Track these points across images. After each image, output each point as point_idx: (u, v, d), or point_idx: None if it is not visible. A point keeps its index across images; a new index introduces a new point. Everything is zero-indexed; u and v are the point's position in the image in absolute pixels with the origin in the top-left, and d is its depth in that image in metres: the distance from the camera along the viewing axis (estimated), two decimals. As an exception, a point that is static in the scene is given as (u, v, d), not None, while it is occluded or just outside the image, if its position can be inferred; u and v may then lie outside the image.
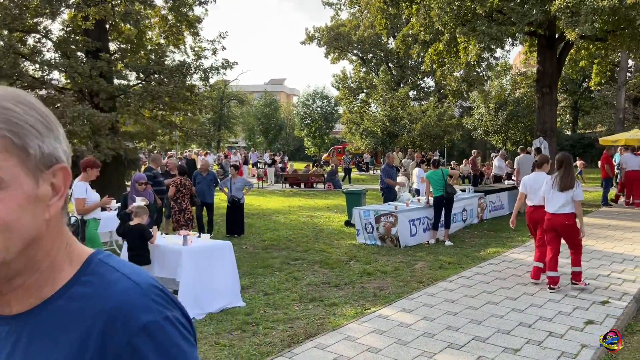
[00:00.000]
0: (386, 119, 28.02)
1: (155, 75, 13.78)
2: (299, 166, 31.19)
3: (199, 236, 6.28)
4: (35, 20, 14.06)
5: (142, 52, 15.70)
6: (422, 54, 15.05)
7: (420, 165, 12.07)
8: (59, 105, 12.49)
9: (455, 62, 14.49)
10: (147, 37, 16.34)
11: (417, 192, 11.48)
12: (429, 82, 47.06)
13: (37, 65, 13.74)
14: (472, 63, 13.34)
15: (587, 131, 39.61)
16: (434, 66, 16.57)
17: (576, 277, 6.06)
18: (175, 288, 6.02)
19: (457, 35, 12.73)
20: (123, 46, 15.57)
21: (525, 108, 27.03)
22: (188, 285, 5.46)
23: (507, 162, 15.98)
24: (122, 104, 14.38)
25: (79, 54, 13.65)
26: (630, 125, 31.83)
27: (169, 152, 23.03)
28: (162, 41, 15.90)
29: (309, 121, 40.66)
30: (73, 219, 5.83)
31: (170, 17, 14.98)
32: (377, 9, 15.55)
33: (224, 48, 14.06)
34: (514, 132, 27.84)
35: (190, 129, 14.20)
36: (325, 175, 21.68)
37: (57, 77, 14.83)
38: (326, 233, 10.80)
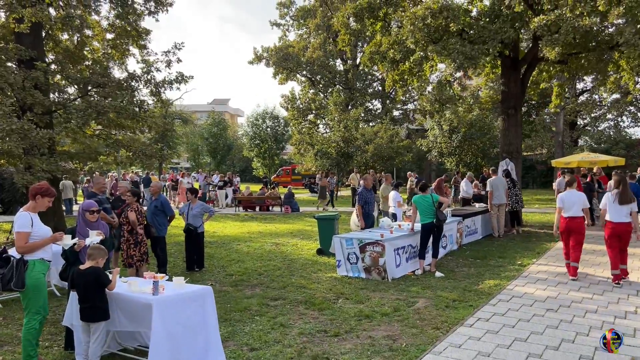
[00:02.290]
0: (340, 139, 27.46)
1: (99, 89, 12.31)
2: (254, 188, 29.92)
3: (169, 278, 5.09)
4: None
5: (83, 65, 14.15)
6: (387, 72, 14.45)
7: (397, 188, 11.32)
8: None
9: (423, 81, 14.05)
10: (89, 48, 14.82)
11: (395, 217, 10.70)
12: (377, 104, 47.49)
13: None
14: (444, 82, 12.94)
15: (529, 154, 41.11)
16: (396, 86, 16.13)
17: (625, 273, 7.76)
18: (144, 343, 4.79)
19: (429, 54, 12.26)
20: (60, 57, 13.94)
21: (479, 130, 27.36)
22: (161, 343, 4.27)
23: (473, 184, 15.65)
24: (60, 120, 12.73)
25: (9, 64, 11.97)
26: (568, 148, 33.27)
27: (110, 174, 21.19)
28: (104, 52, 14.42)
29: (258, 141, 39.47)
30: (11, 258, 4.44)
31: (117, 26, 13.59)
32: (340, 24, 14.89)
33: (179, 60, 12.82)
34: (467, 154, 28.07)
35: (138, 149, 12.75)
36: (283, 198, 20.59)
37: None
38: (299, 264, 9.73)
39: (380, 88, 47.56)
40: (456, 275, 8.45)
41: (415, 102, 43.26)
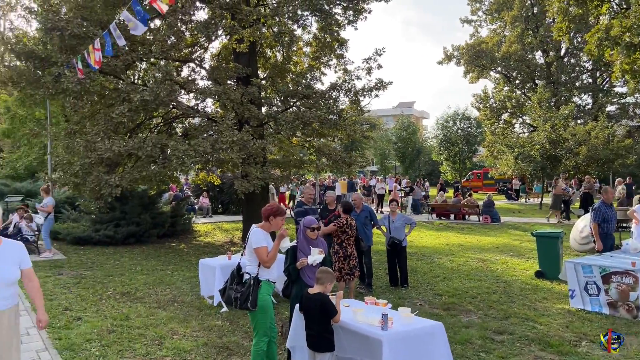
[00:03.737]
0: (546, 141, 24.44)
1: (304, 100, 12.82)
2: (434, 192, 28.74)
3: (389, 305, 4.62)
4: (189, 49, 14.07)
5: (288, 77, 15.02)
6: (619, 61, 12.06)
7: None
8: (211, 132, 12.01)
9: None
10: (293, 61, 15.68)
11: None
12: (586, 99, 41.67)
13: (191, 95, 13.63)
14: None
15: None
16: (625, 76, 13.44)
17: None
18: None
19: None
20: (269, 72, 15.03)
21: None
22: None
23: None
24: (270, 131, 13.65)
25: (229, 82, 13.23)
26: None
27: (310, 181, 22.28)
28: (306, 65, 15.06)
29: (448, 144, 37.90)
30: (246, 277, 4.48)
31: (319, 38, 14.05)
32: (557, 11, 12.97)
33: (380, 66, 12.62)
34: None
35: (339, 156, 12.94)
36: (482, 206, 19.05)
37: (210, 105, 14.69)
38: (517, 288, 8.53)
39: (590, 80, 41.66)
40: None
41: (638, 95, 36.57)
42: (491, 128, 38.72)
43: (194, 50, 14.33)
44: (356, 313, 4.32)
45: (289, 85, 13.88)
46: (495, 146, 32.57)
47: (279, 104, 13.48)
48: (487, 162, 39.19)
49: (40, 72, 12.78)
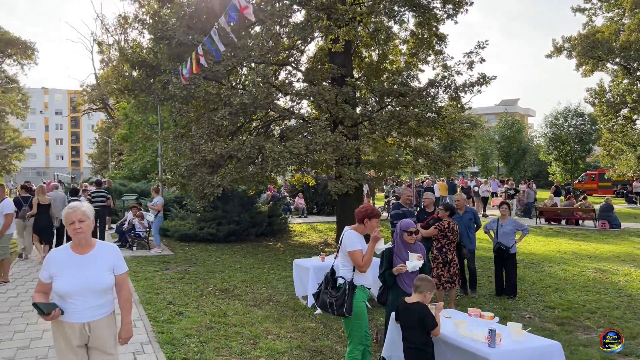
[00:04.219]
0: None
1: (400, 98, 12.43)
2: (543, 195, 26.60)
3: (495, 319, 4.17)
4: (286, 52, 14.32)
5: (383, 76, 14.71)
6: None
7: None
8: (306, 133, 12.10)
9: None
10: (389, 60, 15.33)
11: None
12: None
13: (288, 97, 13.85)
14: None
15: None
16: None
17: None
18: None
19: None
20: (364, 71, 14.83)
21: None
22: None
23: None
24: (365, 131, 13.43)
25: (324, 83, 13.24)
26: None
27: (405, 182, 21.74)
28: (402, 63, 14.64)
29: (558, 143, 35.02)
30: (340, 281, 4.31)
31: (417, 34, 13.58)
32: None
33: (482, 60, 11.87)
34: None
35: (438, 156, 12.38)
36: (598, 211, 17.25)
37: (305, 106, 14.85)
38: (646, 305, 7.48)
39: None
40: None
41: None
42: (608, 125, 35.20)
43: (290, 53, 14.57)
44: (459, 326, 3.95)
45: (385, 83, 13.58)
46: (613, 145, 29.65)
47: (374, 103, 13.23)
48: (602, 162, 35.66)
49: (151, 80, 13.76)
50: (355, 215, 4.43)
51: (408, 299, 4.00)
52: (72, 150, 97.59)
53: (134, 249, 12.57)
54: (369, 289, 4.39)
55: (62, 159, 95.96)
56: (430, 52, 14.01)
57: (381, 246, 4.43)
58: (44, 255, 10.62)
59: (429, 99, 12.09)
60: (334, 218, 16.54)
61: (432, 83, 12.30)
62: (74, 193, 12.99)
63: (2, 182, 12.33)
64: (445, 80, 12.12)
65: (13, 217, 8.89)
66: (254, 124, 15.11)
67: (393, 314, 4.31)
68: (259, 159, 11.94)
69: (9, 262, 9.16)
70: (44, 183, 21.87)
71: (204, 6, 13.83)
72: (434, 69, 14.17)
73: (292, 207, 21.98)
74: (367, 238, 4.44)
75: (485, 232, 8.53)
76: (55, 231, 11.30)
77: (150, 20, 13.40)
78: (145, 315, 6.70)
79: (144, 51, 14.90)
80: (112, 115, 45.01)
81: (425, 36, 13.67)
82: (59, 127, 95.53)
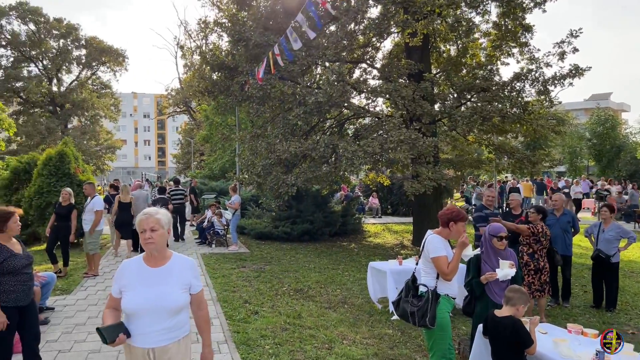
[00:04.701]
0: None
1: (482, 93, 11.75)
2: None
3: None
4: (361, 50, 14.07)
5: (463, 71, 14.03)
6: None
7: None
8: (380, 132, 11.78)
9: None
10: (469, 54, 14.60)
11: None
12: None
13: (362, 95, 13.60)
14: None
15: None
16: None
17: None
18: None
19: None
20: (443, 67, 14.23)
21: None
22: None
23: None
24: (444, 128, 12.87)
25: (400, 80, 12.85)
26: None
27: (486, 182, 20.74)
28: (484, 57, 13.85)
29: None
30: (422, 289, 4.02)
31: (501, 24, 12.78)
32: None
33: (575, 50, 10.92)
34: None
35: (523, 155, 11.56)
36: None
37: (380, 104, 14.53)
38: None
39: None
40: None
41: None
42: None
43: (365, 51, 14.31)
44: (558, 345, 3.51)
45: (465, 78, 12.92)
46: None
47: (454, 99, 12.63)
48: None
49: (230, 82, 14.08)
50: (438, 218, 4.11)
51: (498, 312, 3.62)
52: (158, 151, 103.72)
53: (213, 246, 12.93)
54: (454, 298, 4.04)
55: (150, 159, 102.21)
56: (515, 44, 13.14)
57: (469, 252, 4.07)
58: (128, 251, 11.18)
59: (514, 93, 11.31)
60: (410, 219, 16.05)
61: (517, 77, 11.51)
62: (161, 191, 13.57)
63: (94, 181, 13.18)
64: (533, 73, 11.28)
65: (103, 214, 9.39)
66: (327, 123, 15.02)
67: (480, 327, 3.94)
68: (333, 159, 11.80)
69: (99, 256, 9.70)
70: (130, 182, 23.28)
71: (280, 8, 13.96)
72: (518, 62, 13.24)
73: (365, 207, 21.68)
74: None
75: (586, 236, 7.75)
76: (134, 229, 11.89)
77: (229, 24, 13.71)
78: (222, 313, 6.76)
79: (223, 54, 15.30)
80: (194, 117, 47.13)
81: (510, 27, 12.84)
82: (147, 129, 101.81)
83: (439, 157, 12.51)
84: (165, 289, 2.72)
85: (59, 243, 9.11)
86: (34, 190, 12.34)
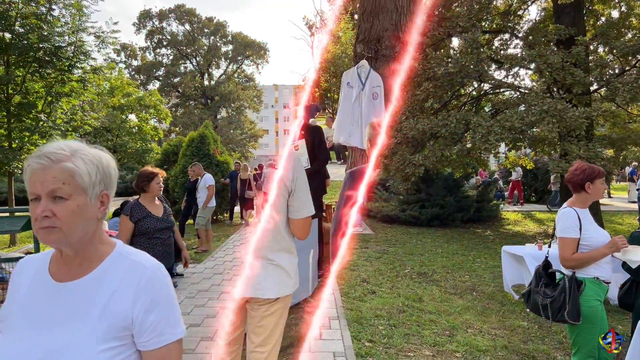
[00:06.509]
0: None
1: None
2: None
3: None
4: (502, 18, 12.75)
5: (627, 36, 11.91)
6: None
7: None
8: (523, 107, 10.50)
9: None
10: (634, 14, 12.34)
11: None
12: None
13: (502, 70, 12.32)
14: None
15: None
16: None
17: None
18: None
19: None
20: (602, 31, 12.22)
21: None
22: None
23: None
24: (601, 99, 11.08)
25: (545, 48, 11.32)
26: None
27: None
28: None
29: None
30: (559, 275, 3.27)
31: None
32: None
33: None
34: None
35: None
36: None
37: (525, 77, 13.05)
38: None
39: None
40: None
41: None
42: None
43: (506, 19, 12.92)
44: None
45: (629, 44, 10.92)
46: None
47: (614, 65, 10.76)
48: None
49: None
50: (567, 184, 3.25)
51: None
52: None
53: (339, 227, 12.86)
54: (608, 283, 3.17)
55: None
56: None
57: (636, 257, 3.11)
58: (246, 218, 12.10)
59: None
60: (557, 208, 14.24)
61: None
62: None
63: (230, 161, 14.10)
64: None
65: (214, 189, 9.69)
66: (462, 100, 13.95)
67: (643, 323, 3.07)
68: (467, 137, 10.84)
69: (212, 233, 10.04)
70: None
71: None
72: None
73: (505, 193, 19.94)
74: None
75: None
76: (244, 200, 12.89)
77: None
78: (337, 289, 6.52)
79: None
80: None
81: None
82: (286, 119, 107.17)
83: (593, 134, 10.81)
84: (65, 337, 1.21)
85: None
86: (179, 170, 13.44)
